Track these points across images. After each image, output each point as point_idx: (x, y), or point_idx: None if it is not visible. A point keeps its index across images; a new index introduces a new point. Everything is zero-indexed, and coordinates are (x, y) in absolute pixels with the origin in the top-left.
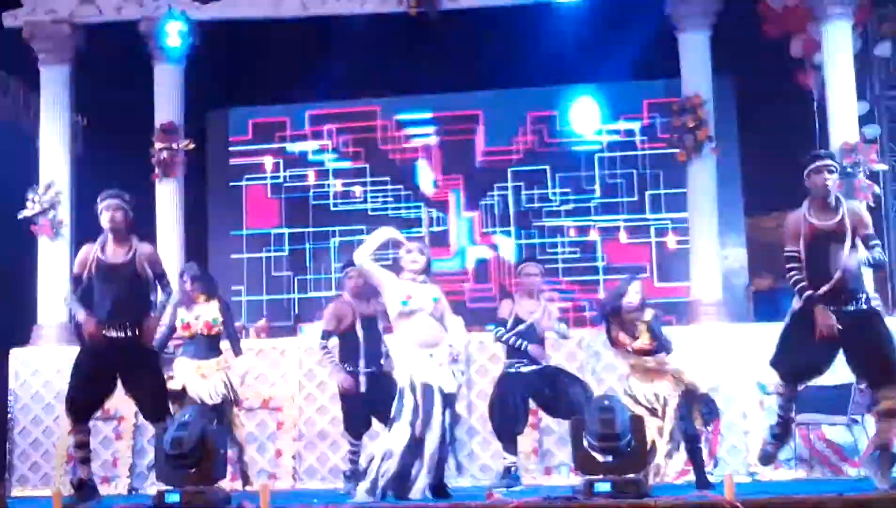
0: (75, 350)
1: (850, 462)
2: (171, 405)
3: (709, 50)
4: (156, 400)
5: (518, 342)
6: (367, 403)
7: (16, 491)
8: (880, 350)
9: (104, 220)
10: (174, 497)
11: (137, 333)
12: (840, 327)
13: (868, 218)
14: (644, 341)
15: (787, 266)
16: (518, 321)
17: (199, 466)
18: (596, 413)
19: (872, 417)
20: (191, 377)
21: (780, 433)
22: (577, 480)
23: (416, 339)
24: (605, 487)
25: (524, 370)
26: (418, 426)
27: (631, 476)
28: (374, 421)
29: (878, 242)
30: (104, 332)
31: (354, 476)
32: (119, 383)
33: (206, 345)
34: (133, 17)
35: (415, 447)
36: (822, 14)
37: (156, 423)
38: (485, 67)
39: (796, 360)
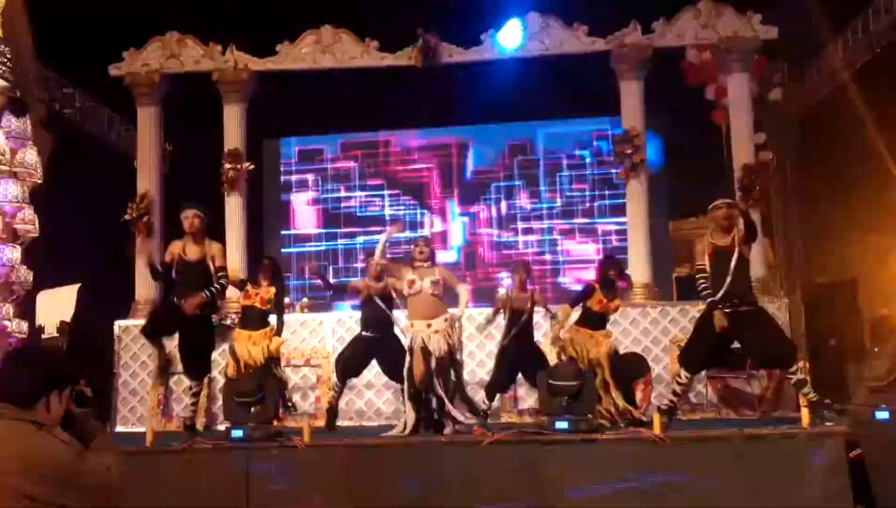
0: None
1: (748, 405)
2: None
3: (642, 94)
4: (198, 364)
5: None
6: (363, 358)
7: (118, 428)
8: (770, 342)
9: (186, 225)
10: (238, 433)
11: (200, 313)
12: (731, 325)
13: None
14: (618, 303)
15: (697, 277)
16: (514, 311)
17: (259, 408)
18: (561, 366)
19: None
20: (244, 343)
21: (669, 411)
22: (543, 419)
23: (418, 313)
24: (563, 424)
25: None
26: (417, 379)
27: (583, 416)
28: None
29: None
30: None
31: (332, 409)
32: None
33: (258, 318)
34: (208, 69)
35: (416, 395)
36: (726, 68)
37: (193, 379)
38: (474, 107)
39: (701, 358)
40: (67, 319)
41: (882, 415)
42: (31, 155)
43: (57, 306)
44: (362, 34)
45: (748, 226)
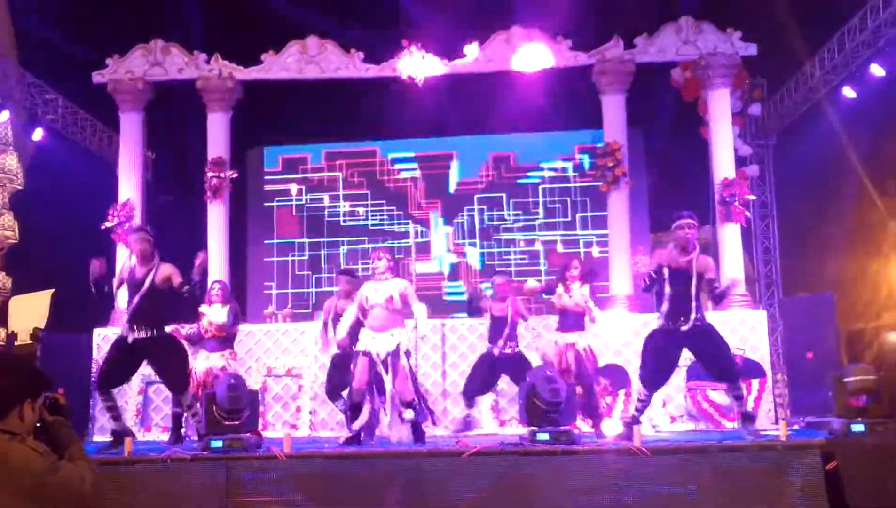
0: None
1: (727, 417)
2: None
3: (624, 108)
4: (180, 379)
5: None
6: (342, 375)
7: (96, 438)
8: (716, 358)
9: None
10: (217, 443)
11: (156, 332)
12: (688, 342)
13: (712, 265)
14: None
15: (645, 282)
16: (493, 317)
17: (243, 418)
18: (545, 384)
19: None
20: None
21: (631, 424)
22: (523, 430)
23: (369, 324)
24: (544, 436)
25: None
26: (355, 387)
27: (563, 427)
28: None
29: (718, 284)
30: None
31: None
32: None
33: (219, 343)
34: (192, 77)
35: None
36: (708, 84)
37: (180, 394)
38: (458, 118)
39: (659, 376)
40: (41, 325)
41: (858, 427)
42: (11, 160)
43: (30, 312)
44: (347, 45)
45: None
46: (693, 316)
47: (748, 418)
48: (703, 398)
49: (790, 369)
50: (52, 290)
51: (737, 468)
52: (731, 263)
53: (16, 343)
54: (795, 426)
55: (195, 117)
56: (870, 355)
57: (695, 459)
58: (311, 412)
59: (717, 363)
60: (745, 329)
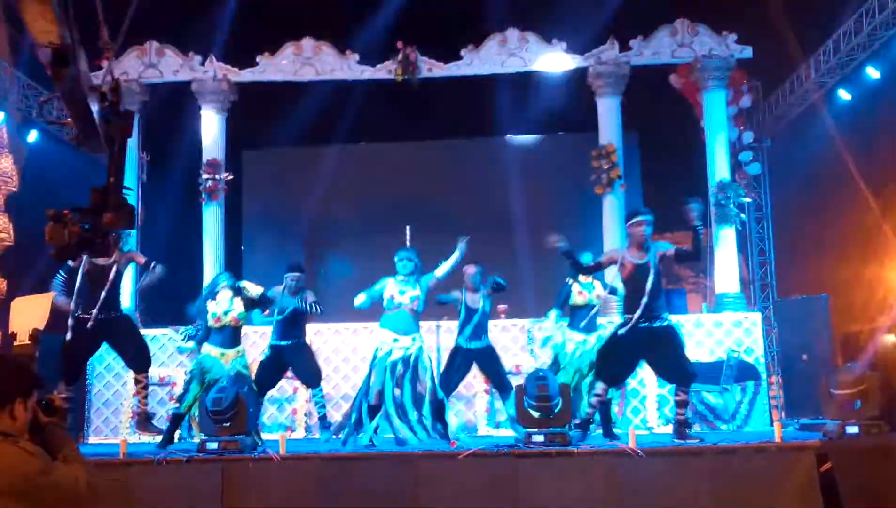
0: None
1: (722, 419)
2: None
3: (619, 111)
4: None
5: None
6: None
7: (91, 439)
8: (674, 358)
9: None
10: (213, 445)
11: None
12: (644, 340)
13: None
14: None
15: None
16: (467, 308)
17: (233, 420)
18: (534, 382)
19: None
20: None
21: (583, 423)
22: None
23: (389, 326)
24: (539, 438)
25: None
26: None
27: (558, 429)
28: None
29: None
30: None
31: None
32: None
33: (231, 336)
34: (187, 79)
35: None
36: (703, 86)
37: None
38: (453, 121)
39: (615, 371)
40: (41, 327)
41: (852, 429)
42: (6, 163)
43: (31, 314)
44: (343, 47)
45: (695, 245)
46: (646, 305)
47: (684, 424)
48: (698, 400)
49: (785, 371)
50: (54, 293)
51: (731, 470)
52: (726, 265)
53: (14, 344)
54: (790, 428)
55: (190, 119)
56: (864, 357)
57: (689, 461)
58: (305, 414)
59: (669, 366)
60: (740, 331)
